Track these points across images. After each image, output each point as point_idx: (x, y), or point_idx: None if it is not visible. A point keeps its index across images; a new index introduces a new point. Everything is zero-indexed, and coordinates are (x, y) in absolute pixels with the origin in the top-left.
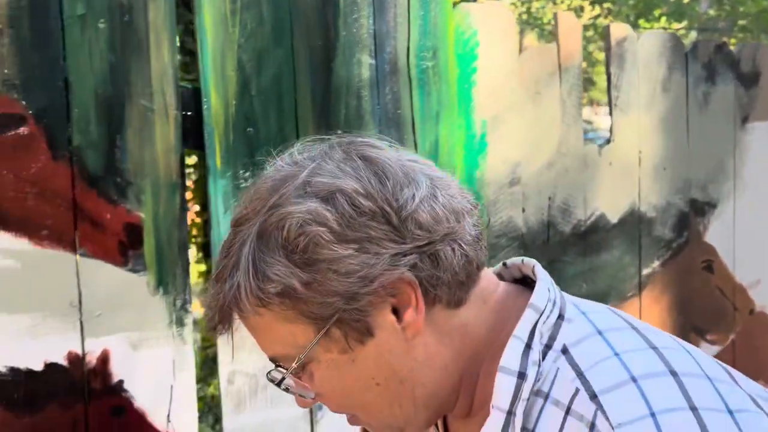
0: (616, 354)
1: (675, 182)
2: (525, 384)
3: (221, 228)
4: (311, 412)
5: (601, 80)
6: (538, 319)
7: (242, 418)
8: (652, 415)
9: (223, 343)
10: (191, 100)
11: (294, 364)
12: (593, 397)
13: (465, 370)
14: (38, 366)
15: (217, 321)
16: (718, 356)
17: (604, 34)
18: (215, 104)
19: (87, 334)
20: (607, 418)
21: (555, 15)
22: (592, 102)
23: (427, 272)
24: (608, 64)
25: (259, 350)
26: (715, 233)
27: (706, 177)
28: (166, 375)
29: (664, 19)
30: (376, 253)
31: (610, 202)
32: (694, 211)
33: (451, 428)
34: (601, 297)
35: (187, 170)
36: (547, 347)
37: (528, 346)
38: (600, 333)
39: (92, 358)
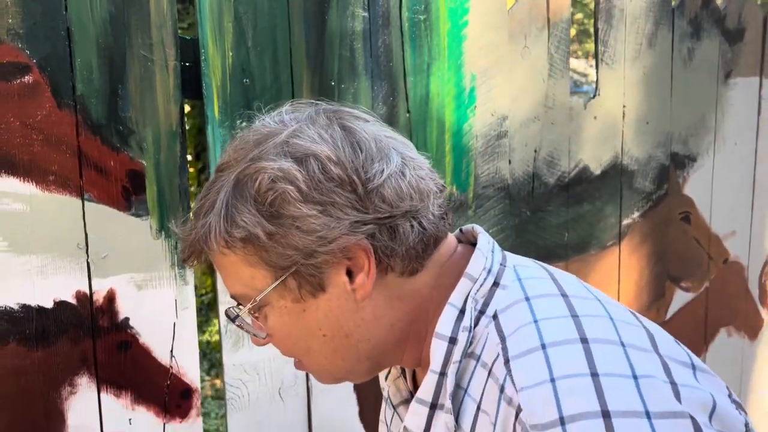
0: (535, 321)
1: (657, 136)
2: (456, 348)
3: None
4: None
5: None
6: (472, 287)
7: (240, 355)
8: (552, 380)
9: (222, 286)
10: (190, 51)
11: (250, 304)
12: (506, 362)
13: (413, 328)
14: (48, 303)
15: (188, 254)
16: (692, 303)
17: None
18: (212, 55)
19: (94, 275)
20: (513, 383)
21: None
22: (587, 54)
23: (384, 243)
24: (596, 20)
25: None
26: (694, 186)
27: (687, 131)
28: (169, 313)
29: None
30: (338, 218)
31: (593, 155)
32: (675, 164)
33: (417, 374)
34: (582, 246)
35: None
36: (481, 313)
37: (462, 312)
38: (528, 299)
39: (99, 297)
